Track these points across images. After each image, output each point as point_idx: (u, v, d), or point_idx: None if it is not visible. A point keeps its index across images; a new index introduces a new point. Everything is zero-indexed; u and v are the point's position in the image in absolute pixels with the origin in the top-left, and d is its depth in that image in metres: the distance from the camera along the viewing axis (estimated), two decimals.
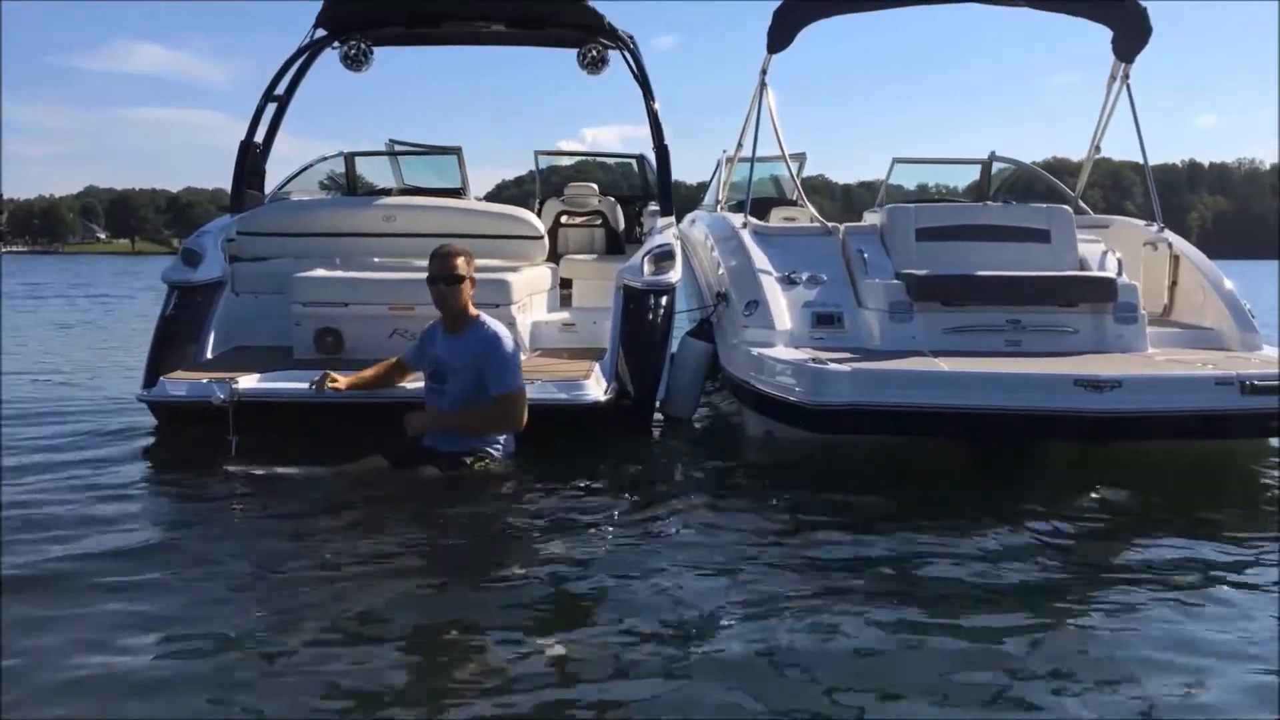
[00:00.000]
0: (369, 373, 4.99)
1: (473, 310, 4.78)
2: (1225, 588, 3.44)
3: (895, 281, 5.69)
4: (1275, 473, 5.10)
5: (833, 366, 4.85)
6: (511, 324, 5.39)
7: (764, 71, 6.78)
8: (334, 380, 4.86)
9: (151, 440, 5.45)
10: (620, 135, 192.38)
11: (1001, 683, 2.67)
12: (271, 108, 7.01)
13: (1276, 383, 4.78)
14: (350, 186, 8.53)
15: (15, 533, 3.81)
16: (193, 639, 2.88)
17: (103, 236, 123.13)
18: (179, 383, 5.16)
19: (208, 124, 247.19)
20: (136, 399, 5.35)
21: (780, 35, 6.49)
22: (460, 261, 4.75)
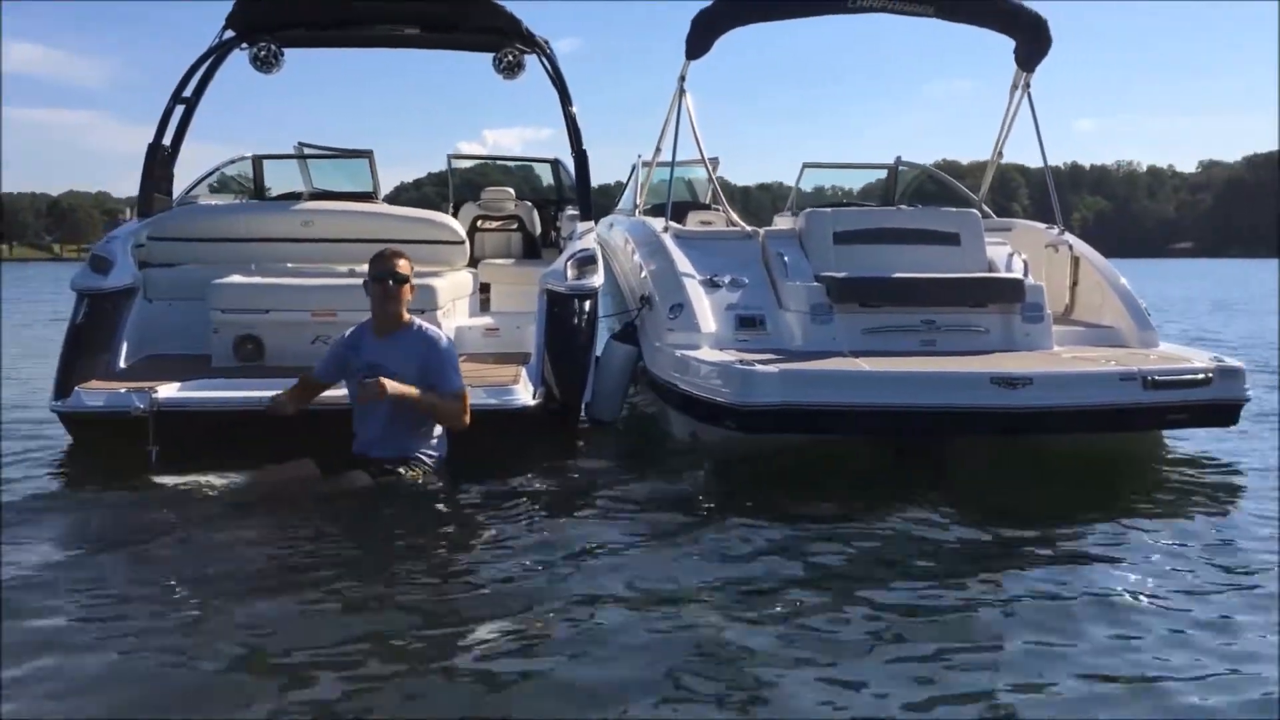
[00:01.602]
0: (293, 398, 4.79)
1: (406, 314, 4.77)
2: (1123, 564, 3.70)
3: (815, 284, 5.83)
4: (1168, 466, 5.38)
5: (760, 368, 4.96)
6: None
7: (682, 78, 6.87)
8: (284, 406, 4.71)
9: (64, 454, 5.29)
10: (521, 138, 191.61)
11: (921, 669, 2.79)
12: (180, 110, 6.86)
13: (1174, 378, 5.06)
14: (258, 190, 8.37)
15: None
16: (108, 657, 2.85)
17: None
18: (95, 393, 5.01)
19: (87, 125, 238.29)
20: (50, 410, 5.17)
21: (699, 42, 6.58)
22: (405, 263, 4.76)
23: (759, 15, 6.74)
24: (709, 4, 6.53)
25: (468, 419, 4.70)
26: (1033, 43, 6.85)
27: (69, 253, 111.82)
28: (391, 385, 4.44)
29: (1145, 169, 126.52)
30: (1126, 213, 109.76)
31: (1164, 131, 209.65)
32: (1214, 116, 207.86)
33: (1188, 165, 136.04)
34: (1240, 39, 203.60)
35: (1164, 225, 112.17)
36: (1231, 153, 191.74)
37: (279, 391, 4.73)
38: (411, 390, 4.51)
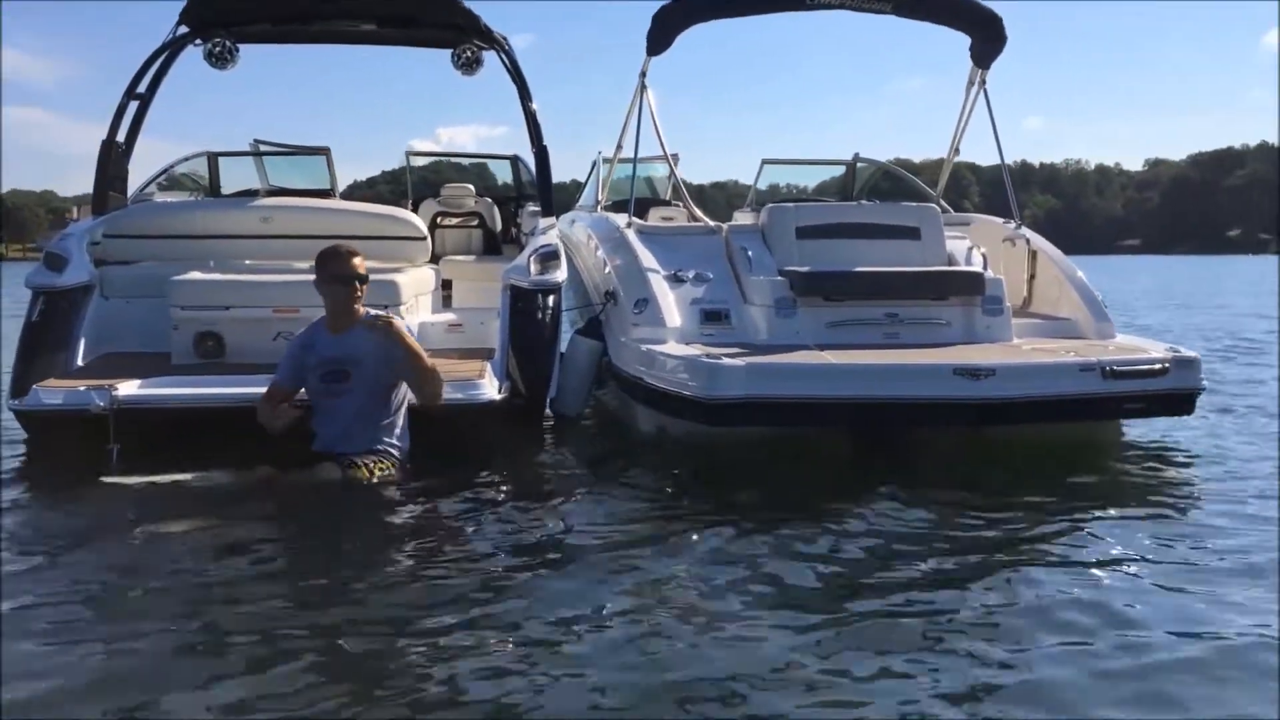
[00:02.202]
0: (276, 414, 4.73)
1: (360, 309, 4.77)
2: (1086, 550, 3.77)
3: (779, 278, 5.87)
4: (1126, 453, 5.47)
5: (726, 361, 4.99)
6: None
7: (644, 74, 6.88)
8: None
9: (21, 453, 5.20)
10: (476, 135, 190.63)
11: (895, 663, 2.79)
12: (133, 107, 6.76)
13: (1132, 368, 5.16)
14: (213, 187, 8.27)
15: None
16: (82, 657, 2.80)
17: None
18: (54, 391, 4.92)
19: (32, 123, 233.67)
20: (8, 408, 5.07)
21: (660, 38, 6.60)
22: (361, 259, 4.76)
23: (719, 12, 6.79)
24: (670, 0, 6.55)
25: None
26: (987, 40, 6.94)
27: (13, 252, 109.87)
28: (398, 322, 4.62)
29: (1094, 167, 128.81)
30: (1076, 210, 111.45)
31: (1111, 131, 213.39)
32: (1160, 116, 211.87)
33: (1135, 164, 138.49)
34: (1185, 39, 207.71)
35: (1112, 223, 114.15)
36: (1177, 151, 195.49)
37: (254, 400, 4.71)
38: (414, 344, 4.68)
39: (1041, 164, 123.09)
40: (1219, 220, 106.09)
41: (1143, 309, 18.71)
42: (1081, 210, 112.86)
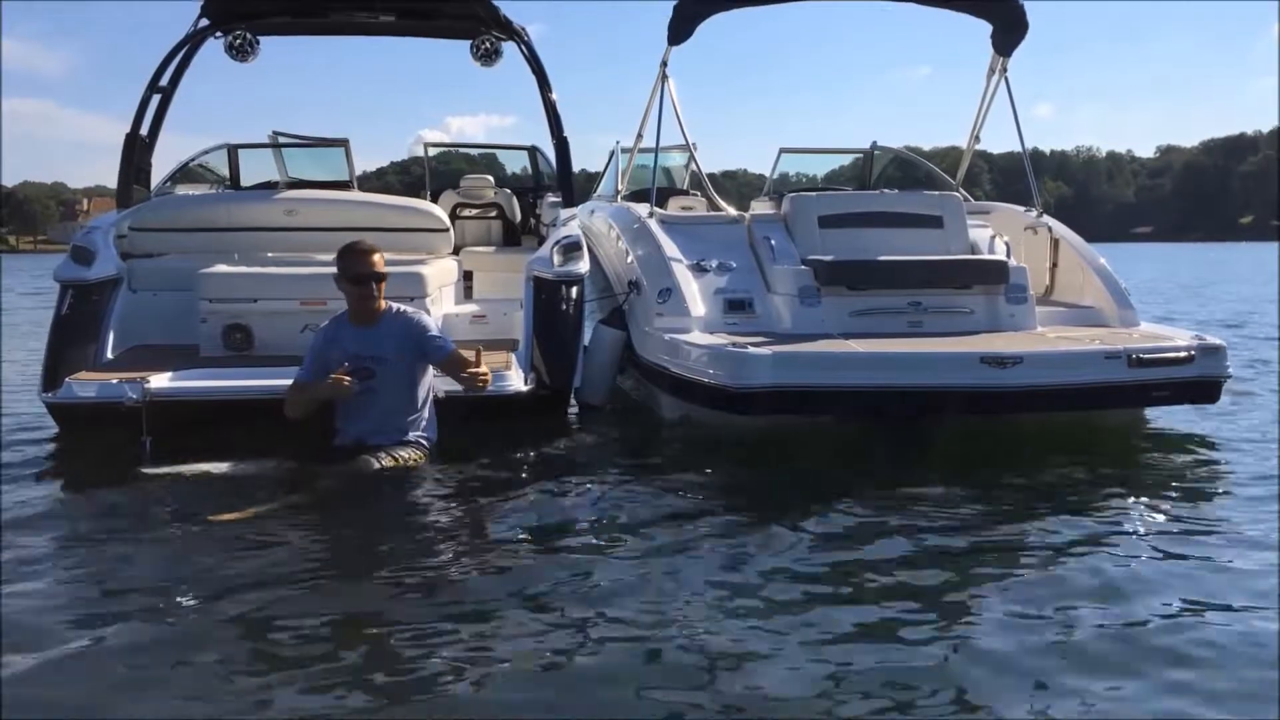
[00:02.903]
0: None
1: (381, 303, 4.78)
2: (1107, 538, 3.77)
3: (803, 267, 5.88)
4: (1148, 440, 5.48)
5: (753, 350, 5.00)
6: None
7: (664, 63, 6.89)
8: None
9: (53, 446, 5.24)
10: (486, 125, 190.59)
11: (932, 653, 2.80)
12: (156, 99, 6.79)
13: (1158, 356, 5.16)
14: (234, 180, 8.30)
15: None
16: (115, 650, 2.82)
17: None
18: (87, 383, 4.97)
19: (39, 114, 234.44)
20: (42, 401, 5.11)
21: (681, 27, 6.61)
22: (379, 257, 4.75)
23: (740, 1, 6.77)
24: None
25: None
26: (1009, 28, 6.93)
27: (24, 244, 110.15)
28: (487, 376, 4.76)
29: (1104, 154, 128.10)
30: (1086, 197, 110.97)
31: (1123, 117, 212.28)
32: (1171, 102, 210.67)
33: (1146, 151, 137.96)
34: (1197, 25, 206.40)
35: (1124, 210, 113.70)
36: (1189, 138, 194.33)
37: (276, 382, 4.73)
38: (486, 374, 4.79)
39: (1052, 151, 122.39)
40: (1231, 207, 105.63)
41: (1163, 296, 18.65)
42: (1092, 197, 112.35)
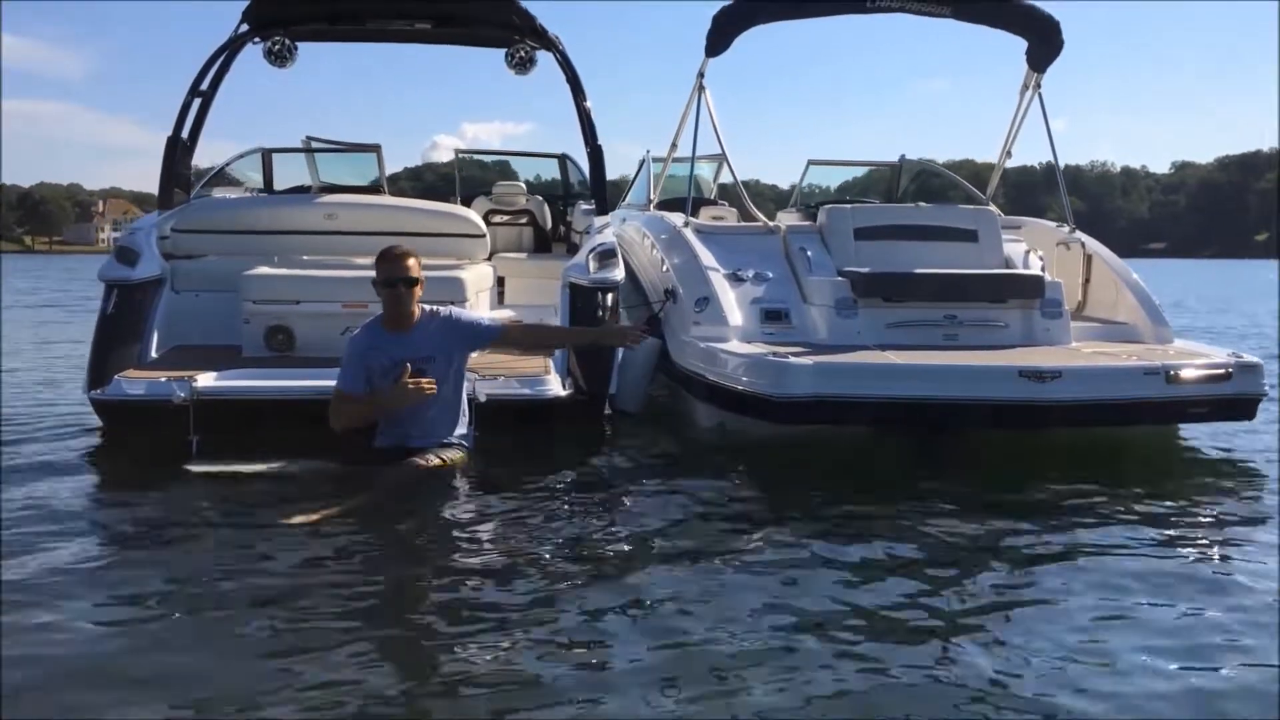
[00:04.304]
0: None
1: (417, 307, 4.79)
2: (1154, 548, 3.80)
3: (839, 279, 5.92)
4: (1184, 456, 5.50)
5: (794, 360, 5.05)
6: None
7: (701, 74, 6.94)
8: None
9: (98, 443, 5.31)
10: (501, 132, 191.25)
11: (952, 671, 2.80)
12: (196, 103, 6.87)
13: (1196, 373, 5.18)
14: (267, 183, 8.38)
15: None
16: (174, 649, 2.87)
17: None
18: (136, 381, 5.04)
19: (56, 116, 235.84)
20: (90, 398, 5.18)
21: (719, 39, 6.67)
22: (414, 262, 4.72)
23: (779, 14, 6.83)
24: (730, 2, 6.61)
25: None
26: (1045, 44, 6.97)
27: (40, 245, 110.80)
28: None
29: (1119, 169, 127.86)
30: (1100, 212, 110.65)
31: (1137, 133, 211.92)
32: (1186, 118, 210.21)
33: (1161, 166, 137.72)
34: (1213, 41, 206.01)
35: (1137, 225, 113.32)
36: (1204, 154, 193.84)
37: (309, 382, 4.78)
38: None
39: (1066, 166, 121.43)
40: (1246, 224, 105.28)
41: (1187, 312, 18.58)
42: (1106, 212, 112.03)
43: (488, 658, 2.83)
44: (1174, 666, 2.81)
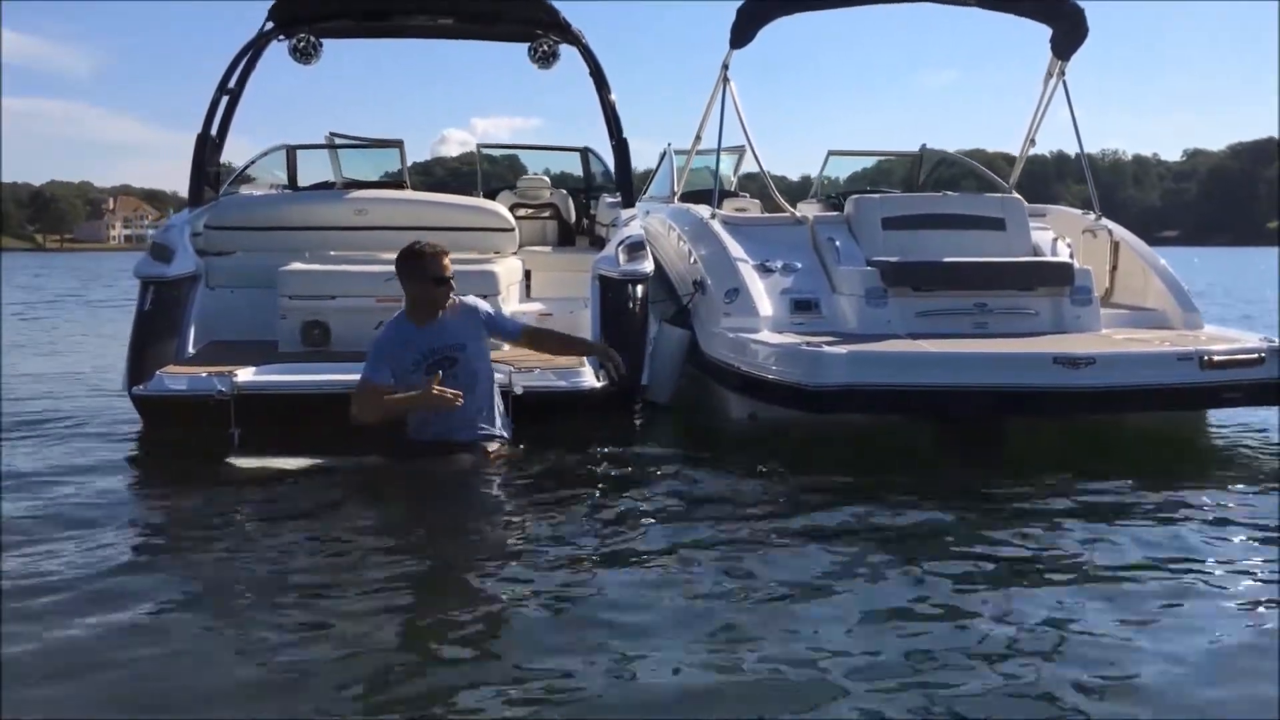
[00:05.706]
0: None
1: None
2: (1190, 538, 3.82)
3: (869, 269, 5.95)
4: (1215, 442, 5.52)
5: (828, 349, 5.08)
6: None
7: (726, 66, 6.96)
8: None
9: (137, 438, 5.37)
10: (511, 127, 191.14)
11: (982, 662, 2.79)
12: (224, 101, 6.92)
13: (1229, 358, 5.19)
14: (291, 180, 8.43)
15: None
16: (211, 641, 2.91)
17: None
18: (178, 377, 5.09)
19: (65, 115, 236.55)
20: (132, 394, 5.23)
21: (743, 31, 6.69)
22: (449, 260, 4.78)
23: (802, 5, 6.84)
24: None
25: None
26: (1070, 31, 6.97)
27: (51, 243, 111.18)
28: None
29: (1130, 157, 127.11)
30: (1112, 201, 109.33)
31: (1149, 121, 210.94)
32: (1198, 105, 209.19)
33: (1173, 154, 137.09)
34: (1224, 28, 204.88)
35: (1149, 213, 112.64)
36: (1216, 142, 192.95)
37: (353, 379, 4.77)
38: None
39: (1077, 154, 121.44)
40: (1258, 211, 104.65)
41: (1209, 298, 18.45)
42: (1118, 201, 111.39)
43: (524, 647, 2.85)
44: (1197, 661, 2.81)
